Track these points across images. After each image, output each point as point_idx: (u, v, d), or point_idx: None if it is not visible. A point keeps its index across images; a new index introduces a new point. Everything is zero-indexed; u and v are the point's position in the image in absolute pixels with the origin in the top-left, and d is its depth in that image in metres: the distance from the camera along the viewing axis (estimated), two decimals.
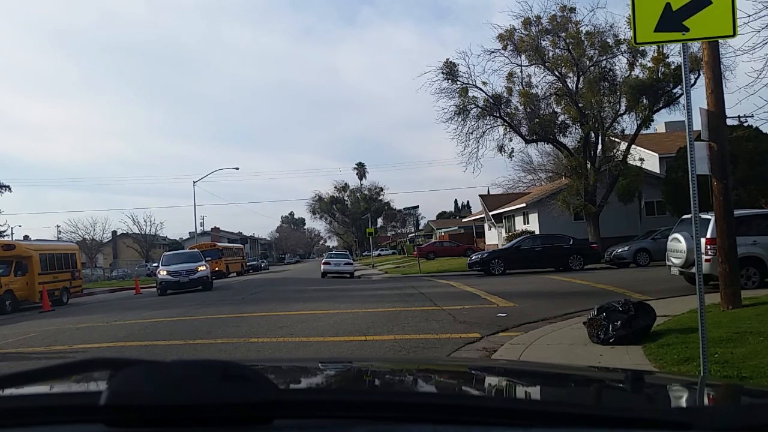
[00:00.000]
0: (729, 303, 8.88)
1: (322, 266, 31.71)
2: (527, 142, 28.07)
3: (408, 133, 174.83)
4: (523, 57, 26.76)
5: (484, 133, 27.54)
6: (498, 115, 27.12)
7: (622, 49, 25.72)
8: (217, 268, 40.86)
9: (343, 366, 1.99)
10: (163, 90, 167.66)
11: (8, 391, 1.12)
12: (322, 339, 9.11)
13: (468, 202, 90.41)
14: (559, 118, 27.50)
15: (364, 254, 71.08)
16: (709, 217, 10.21)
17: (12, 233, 46.08)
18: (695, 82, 21.12)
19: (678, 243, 12.32)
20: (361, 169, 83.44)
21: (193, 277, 24.00)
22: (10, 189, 39.70)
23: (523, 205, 33.77)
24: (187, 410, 0.86)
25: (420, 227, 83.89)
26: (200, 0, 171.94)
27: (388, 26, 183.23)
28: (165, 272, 24.41)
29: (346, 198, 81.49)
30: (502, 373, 1.81)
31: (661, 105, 26.04)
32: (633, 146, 27.09)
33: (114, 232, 74.26)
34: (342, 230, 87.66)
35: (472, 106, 27.17)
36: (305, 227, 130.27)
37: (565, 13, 26.00)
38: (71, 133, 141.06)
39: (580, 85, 26.35)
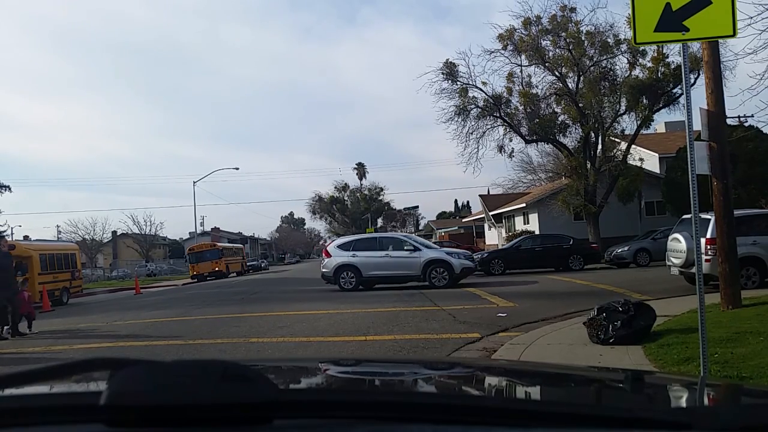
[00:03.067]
0: (729, 303, 8.88)
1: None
2: (527, 142, 28.09)
3: (408, 133, 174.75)
4: (523, 57, 26.80)
5: (484, 133, 27.61)
6: (498, 115, 27.15)
7: (622, 49, 25.76)
8: (217, 268, 40.95)
9: (343, 366, 1.99)
10: (163, 90, 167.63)
11: (8, 391, 1.12)
12: (322, 339, 9.11)
13: (468, 202, 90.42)
14: (559, 118, 27.53)
15: None
16: (709, 217, 10.21)
17: (12, 233, 46.06)
18: (695, 82, 21.13)
19: (678, 243, 12.32)
20: (361, 169, 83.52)
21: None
22: (10, 189, 39.66)
23: (523, 205, 33.78)
24: (187, 410, 0.86)
25: (420, 227, 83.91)
26: (199, 0, 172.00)
27: (388, 26, 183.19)
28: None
29: (346, 198, 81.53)
30: (502, 373, 1.81)
31: (661, 105, 26.08)
32: (633, 146, 27.12)
33: (114, 232, 74.27)
34: (342, 230, 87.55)
35: (472, 106, 27.20)
36: (305, 227, 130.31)
37: (565, 13, 26.04)
38: (71, 133, 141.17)
39: (580, 85, 26.37)
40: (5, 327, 11.70)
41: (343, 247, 18.89)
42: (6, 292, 11.50)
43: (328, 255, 18.86)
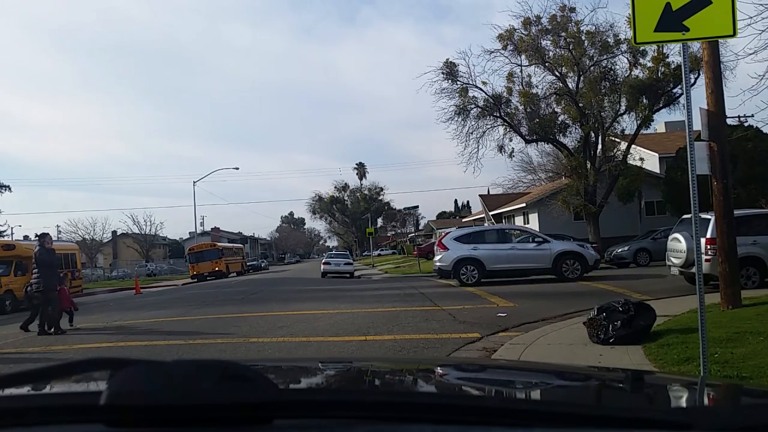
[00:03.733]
0: (729, 303, 8.87)
1: (322, 266, 31.69)
2: (527, 142, 28.07)
3: (408, 133, 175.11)
4: (523, 57, 26.75)
5: (484, 133, 27.55)
6: (498, 115, 27.12)
7: (623, 49, 25.72)
8: (217, 268, 40.96)
9: (343, 366, 1.99)
10: (163, 90, 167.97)
11: (8, 391, 1.12)
12: (322, 339, 9.11)
13: (468, 202, 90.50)
14: (559, 118, 27.50)
15: (364, 254, 71.11)
16: (709, 217, 10.21)
17: (12, 233, 46.06)
18: (695, 82, 21.12)
19: (678, 243, 12.32)
20: (361, 169, 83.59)
21: None
22: (10, 189, 39.72)
23: (523, 205, 33.78)
24: (187, 410, 0.86)
25: (420, 227, 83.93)
26: (200, 0, 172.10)
27: (388, 26, 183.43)
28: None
29: (346, 198, 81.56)
30: (502, 373, 1.81)
31: (661, 105, 26.05)
32: (633, 146, 27.09)
33: (114, 232, 74.25)
34: (342, 230, 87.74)
35: (472, 106, 27.16)
36: (305, 227, 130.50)
37: (565, 13, 26.00)
38: (71, 133, 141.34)
39: (580, 85, 26.34)
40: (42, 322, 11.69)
41: (461, 239, 17.89)
42: (49, 287, 11.46)
43: (444, 248, 17.84)
